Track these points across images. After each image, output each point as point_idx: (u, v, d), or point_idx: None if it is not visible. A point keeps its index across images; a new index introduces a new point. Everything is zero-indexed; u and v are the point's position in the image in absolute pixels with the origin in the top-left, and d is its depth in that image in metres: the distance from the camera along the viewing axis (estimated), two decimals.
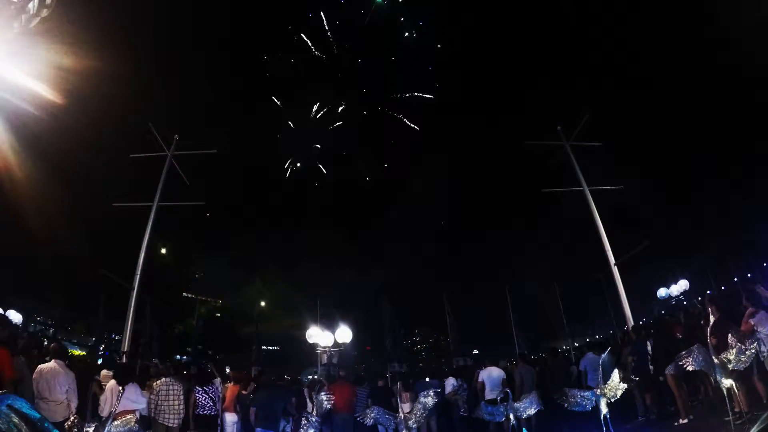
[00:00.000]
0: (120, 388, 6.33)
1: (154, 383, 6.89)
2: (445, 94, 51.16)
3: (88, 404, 6.58)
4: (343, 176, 53.75)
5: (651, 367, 7.88)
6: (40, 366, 5.56)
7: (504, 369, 9.04)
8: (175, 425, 6.67)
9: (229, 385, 7.92)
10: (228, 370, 9.26)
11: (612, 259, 13.43)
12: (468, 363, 14.06)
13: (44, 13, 3.19)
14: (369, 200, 56.27)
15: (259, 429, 7.18)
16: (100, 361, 11.36)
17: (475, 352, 28.80)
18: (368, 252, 55.66)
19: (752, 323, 5.45)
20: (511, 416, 6.83)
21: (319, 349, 15.82)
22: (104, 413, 6.16)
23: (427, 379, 9.00)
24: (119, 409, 5.91)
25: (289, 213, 54.98)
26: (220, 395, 7.42)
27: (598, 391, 6.27)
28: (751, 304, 5.83)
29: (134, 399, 6.32)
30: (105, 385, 6.77)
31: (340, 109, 50.68)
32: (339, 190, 54.20)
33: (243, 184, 51.12)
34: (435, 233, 57.39)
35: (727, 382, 5.20)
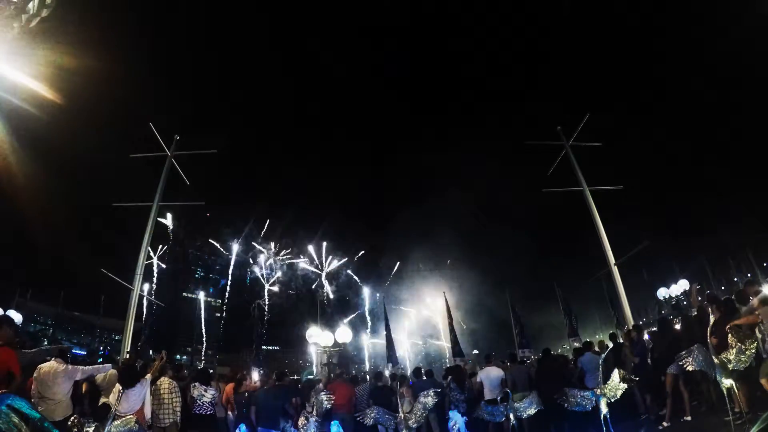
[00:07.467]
0: (121, 388, 6.30)
1: None
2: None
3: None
4: None
5: (651, 366, 7.88)
6: (40, 365, 5.56)
7: (503, 369, 9.02)
8: (168, 424, 6.64)
9: (224, 384, 7.90)
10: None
11: (612, 259, 13.41)
12: (457, 363, 13.97)
13: (44, 13, 3.19)
14: None
15: (260, 429, 7.17)
16: (99, 361, 11.31)
17: (475, 352, 28.79)
18: None
19: (758, 314, 5.36)
20: (511, 416, 6.83)
21: (319, 349, 15.82)
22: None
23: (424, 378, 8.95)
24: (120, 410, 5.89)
25: None
26: (220, 395, 7.41)
27: (598, 391, 6.26)
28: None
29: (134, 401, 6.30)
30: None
31: None
32: None
33: None
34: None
35: (727, 382, 5.18)
